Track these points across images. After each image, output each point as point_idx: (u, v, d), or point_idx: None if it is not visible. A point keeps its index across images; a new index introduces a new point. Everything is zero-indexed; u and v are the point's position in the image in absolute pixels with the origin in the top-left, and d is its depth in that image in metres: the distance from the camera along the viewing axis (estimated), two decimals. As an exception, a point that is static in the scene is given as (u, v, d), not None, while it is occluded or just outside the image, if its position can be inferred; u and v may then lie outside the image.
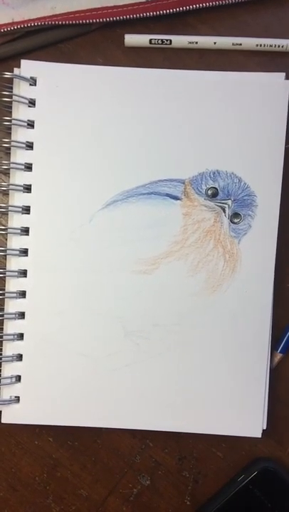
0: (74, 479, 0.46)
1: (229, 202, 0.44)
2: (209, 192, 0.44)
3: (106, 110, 0.44)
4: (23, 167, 0.44)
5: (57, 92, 0.44)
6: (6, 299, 0.44)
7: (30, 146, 0.44)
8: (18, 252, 0.44)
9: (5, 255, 0.44)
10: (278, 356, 0.45)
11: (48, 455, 0.46)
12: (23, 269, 0.44)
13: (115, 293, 0.44)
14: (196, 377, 0.44)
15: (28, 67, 0.44)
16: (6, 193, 0.44)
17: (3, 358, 0.44)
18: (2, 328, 0.44)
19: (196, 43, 0.45)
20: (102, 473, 0.46)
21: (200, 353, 0.44)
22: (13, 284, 0.44)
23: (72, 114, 0.44)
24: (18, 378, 0.44)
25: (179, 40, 0.45)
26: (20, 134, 0.44)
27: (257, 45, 0.45)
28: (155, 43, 0.45)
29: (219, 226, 0.44)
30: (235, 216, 0.44)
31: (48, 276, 0.43)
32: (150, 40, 0.44)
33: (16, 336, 0.44)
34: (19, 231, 0.44)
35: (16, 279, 0.44)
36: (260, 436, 0.44)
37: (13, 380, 0.44)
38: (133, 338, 0.44)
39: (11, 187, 0.44)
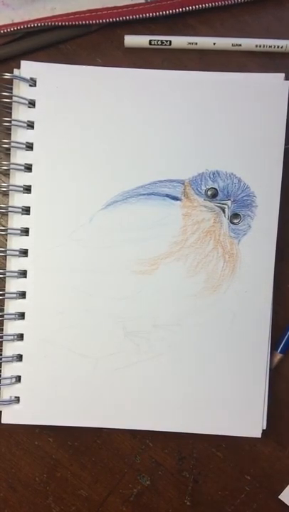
0: (74, 479, 0.46)
1: (229, 202, 0.44)
2: (209, 192, 0.44)
3: (106, 111, 0.44)
4: (22, 168, 0.44)
5: (57, 93, 0.44)
6: (5, 300, 0.44)
7: (30, 146, 0.44)
8: (18, 253, 0.44)
9: (5, 256, 0.44)
10: (278, 356, 0.45)
11: (48, 455, 0.46)
12: (23, 269, 0.44)
13: (115, 293, 0.44)
14: (196, 378, 0.44)
15: (27, 68, 0.44)
16: (5, 194, 0.44)
17: (3, 359, 0.44)
18: (2, 329, 0.44)
19: (196, 43, 0.45)
20: (102, 474, 0.46)
21: (200, 353, 0.44)
22: (13, 285, 0.44)
23: (72, 115, 0.44)
24: (18, 379, 0.44)
25: (179, 41, 0.45)
26: (20, 135, 0.44)
27: (256, 46, 0.45)
28: (155, 44, 0.45)
29: (219, 226, 0.44)
30: (234, 217, 0.44)
31: (48, 277, 0.44)
32: (150, 41, 0.44)
33: (16, 337, 0.44)
34: (19, 232, 0.44)
35: (15, 279, 0.44)
36: (259, 436, 0.44)
37: (13, 380, 0.44)
38: (133, 338, 0.44)
39: (10, 188, 0.44)
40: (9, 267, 0.44)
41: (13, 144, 0.43)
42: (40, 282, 0.44)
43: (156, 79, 0.44)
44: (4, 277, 0.44)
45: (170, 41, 0.45)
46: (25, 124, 0.44)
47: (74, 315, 0.44)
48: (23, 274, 0.44)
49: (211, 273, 0.44)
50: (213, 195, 0.44)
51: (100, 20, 0.44)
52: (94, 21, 0.44)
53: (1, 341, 0.44)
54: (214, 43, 0.45)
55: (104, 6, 0.44)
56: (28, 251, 0.44)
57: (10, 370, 0.44)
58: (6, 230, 0.44)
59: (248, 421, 0.44)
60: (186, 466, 0.46)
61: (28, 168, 0.44)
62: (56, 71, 0.44)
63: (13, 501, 0.46)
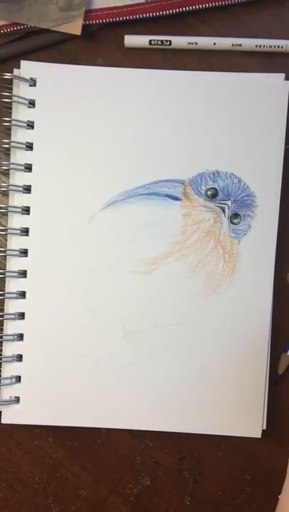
0: (74, 479, 0.46)
1: (229, 202, 0.44)
2: (209, 192, 0.44)
3: (106, 111, 0.44)
4: (22, 168, 0.44)
5: (56, 93, 0.44)
6: (5, 300, 0.44)
7: (29, 146, 0.44)
8: (17, 253, 0.44)
9: (5, 256, 0.44)
10: (287, 358, 0.44)
11: (48, 455, 0.46)
12: (22, 269, 0.44)
13: (115, 293, 0.44)
14: (196, 378, 0.44)
15: (27, 67, 0.44)
16: (5, 194, 0.44)
17: (3, 359, 0.44)
18: (2, 329, 0.44)
19: (196, 43, 0.45)
20: (102, 474, 0.46)
21: (200, 353, 0.44)
22: (12, 285, 0.44)
23: (71, 115, 0.44)
24: (18, 379, 0.44)
25: (179, 41, 0.45)
26: (19, 135, 0.44)
27: (257, 46, 0.45)
28: (155, 44, 0.45)
29: (219, 227, 0.44)
30: (234, 217, 0.44)
31: (48, 277, 0.44)
32: (150, 41, 0.44)
33: (15, 337, 0.44)
34: (19, 232, 0.44)
35: (15, 279, 0.44)
36: (259, 436, 0.44)
37: (13, 380, 0.44)
38: (133, 338, 0.44)
39: (10, 187, 0.44)
40: (9, 267, 0.44)
41: (13, 144, 0.43)
42: (40, 282, 0.44)
43: (157, 79, 0.44)
44: (4, 277, 0.44)
45: (170, 41, 0.44)
46: (25, 124, 0.44)
47: (74, 315, 0.44)
48: (23, 274, 0.44)
49: (210, 273, 0.44)
50: (213, 195, 0.44)
51: (100, 21, 0.44)
52: (94, 21, 0.44)
53: (1, 341, 0.44)
54: (214, 43, 0.45)
55: (104, 6, 0.44)
56: (28, 251, 0.44)
57: (10, 370, 0.44)
58: (6, 230, 0.44)
59: (248, 421, 0.44)
60: (186, 466, 0.46)
61: (28, 168, 0.44)
62: (56, 71, 0.44)
63: (13, 501, 0.46)
